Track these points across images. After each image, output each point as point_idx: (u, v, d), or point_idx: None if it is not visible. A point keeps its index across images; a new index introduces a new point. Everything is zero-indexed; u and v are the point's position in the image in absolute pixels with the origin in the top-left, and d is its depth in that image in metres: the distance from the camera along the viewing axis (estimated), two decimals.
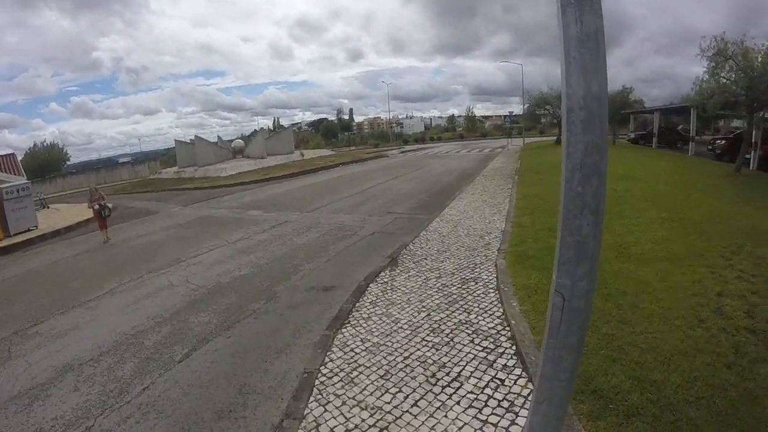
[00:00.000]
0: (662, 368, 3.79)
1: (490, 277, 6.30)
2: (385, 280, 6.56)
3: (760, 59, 13.02)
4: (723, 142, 21.53)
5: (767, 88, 12.72)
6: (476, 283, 6.13)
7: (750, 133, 15.48)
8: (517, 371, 3.96)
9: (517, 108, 62.40)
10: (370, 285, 6.37)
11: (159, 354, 4.97)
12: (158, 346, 5.16)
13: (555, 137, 37.13)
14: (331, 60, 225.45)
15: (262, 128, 36.09)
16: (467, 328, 4.83)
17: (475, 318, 5.07)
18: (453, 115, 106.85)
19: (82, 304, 6.89)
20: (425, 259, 7.41)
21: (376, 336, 4.82)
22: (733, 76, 13.50)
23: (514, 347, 4.36)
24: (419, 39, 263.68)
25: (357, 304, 5.69)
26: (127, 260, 9.44)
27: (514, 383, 3.79)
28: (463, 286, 6.05)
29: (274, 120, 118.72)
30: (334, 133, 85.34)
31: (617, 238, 7.77)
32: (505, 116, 58.48)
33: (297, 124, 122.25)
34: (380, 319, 5.24)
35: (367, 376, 4.06)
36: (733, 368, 3.73)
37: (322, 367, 4.28)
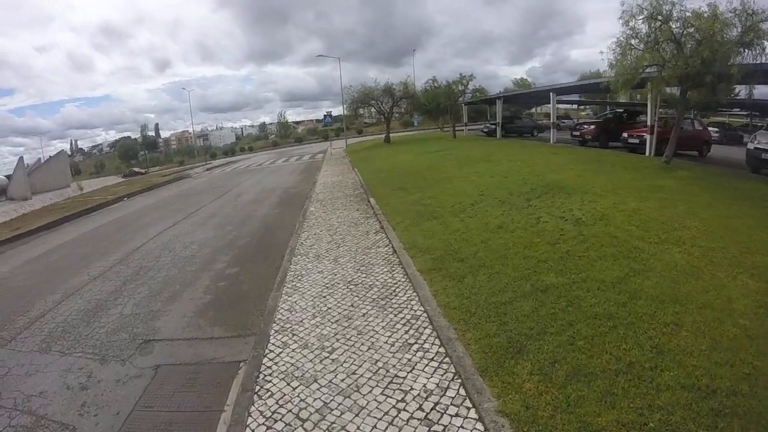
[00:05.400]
0: None
1: None
2: None
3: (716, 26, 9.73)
4: (592, 127, 19.61)
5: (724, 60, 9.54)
6: None
7: (677, 117, 12.43)
8: None
9: (333, 110, 60.89)
10: None
11: None
12: None
13: (383, 135, 33.34)
14: (135, 71, 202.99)
15: (21, 158, 26.03)
16: None
17: None
18: (264, 122, 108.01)
19: None
20: None
21: None
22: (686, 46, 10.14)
23: None
24: (229, 46, 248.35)
25: None
26: None
27: None
28: None
29: (71, 143, 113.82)
30: (135, 153, 78.71)
31: None
32: (323, 117, 56.29)
33: (98, 145, 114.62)
34: None
35: None
36: None
37: None
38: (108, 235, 10.98)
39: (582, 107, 54.36)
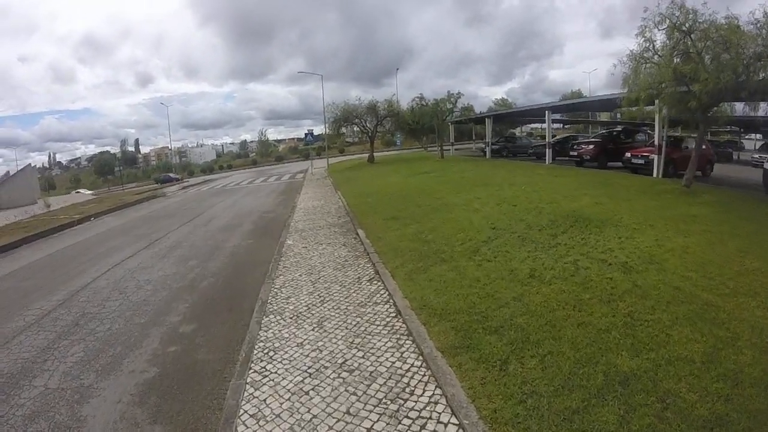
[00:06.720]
0: None
1: None
2: None
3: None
4: (591, 147, 18.71)
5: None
6: None
7: (698, 137, 11.53)
8: None
9: (315, 129, 60.77)
10: None
11: None
12: None
13: (367, 154, 32.42)
14: (117, 85, 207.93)
15: None
16: None
17: None
18: (245, 140, 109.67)
19: None
20: None
21: None
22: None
23: None
24: (213, 63, 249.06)
25: None
26: None
27: None
28: None
29: (50, 156, 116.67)
30: (111, 168, 77.70)
31: None
32: (304, 135, 55.42)
33: (77, 159, 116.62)
34: None
35: None
36: None
37: None
38: (61, 264, 9.60)
39: (566, 126, 54.53)
